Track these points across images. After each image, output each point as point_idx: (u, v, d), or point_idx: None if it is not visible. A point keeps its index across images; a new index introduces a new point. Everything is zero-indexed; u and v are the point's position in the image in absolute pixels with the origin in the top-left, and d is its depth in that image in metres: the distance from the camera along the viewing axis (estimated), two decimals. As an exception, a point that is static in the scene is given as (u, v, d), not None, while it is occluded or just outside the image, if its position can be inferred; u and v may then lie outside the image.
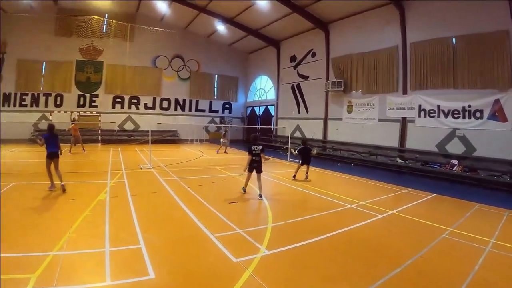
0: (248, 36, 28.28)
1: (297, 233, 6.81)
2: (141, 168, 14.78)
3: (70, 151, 19.56)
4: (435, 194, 11.14)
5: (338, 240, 6.49)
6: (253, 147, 9.97)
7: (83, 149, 20.42)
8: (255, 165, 10.02)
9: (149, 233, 6.55)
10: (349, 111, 20.35)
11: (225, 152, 21.92)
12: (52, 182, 9.84)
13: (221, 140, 22.23)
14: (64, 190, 9.53)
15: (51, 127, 10.28)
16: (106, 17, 27.10)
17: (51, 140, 10.03)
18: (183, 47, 30.34)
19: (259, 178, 9.96)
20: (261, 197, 9.59)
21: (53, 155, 9.97)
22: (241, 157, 19.92)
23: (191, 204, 8.83)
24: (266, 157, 10.73)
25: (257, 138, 10.63)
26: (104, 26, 27.39)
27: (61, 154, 10.29)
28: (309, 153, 13.52)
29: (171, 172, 14.00)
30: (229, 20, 26.12)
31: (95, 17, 25.70)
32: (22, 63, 26.22)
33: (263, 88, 31.59)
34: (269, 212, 8.35)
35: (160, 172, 13.90)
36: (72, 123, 21.61)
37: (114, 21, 26.44)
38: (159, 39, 28.35)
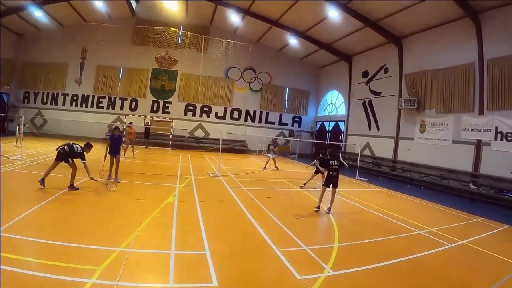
0: (320, 50, 29.04)
1: (363, 255, 6.86)
2: (209, 175, 15.64)
3: (124, 155, 19.77)
4: (508, 226, 10.71)
5: (404, 267, 6.43)
6: (331, 162, 10.33)
7: (133, 153, 20.83)
8: (332, 180, 10.35)
9: (215, 241, 6.86)
10: (422, 131, 20.02)
11: (275, 167, 20.70)
12: (110, 173, 11.84)
13: (267, 154, 21.11)
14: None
15: (116, 128, 12.67)
16: (181, 28, 29.79)
17: (114, 142, 12.19)
18: (255, 60, 31.84)
19: (333, 193, 10.37)
20: (329, 211, 10.02)
21: (114, 154, 12.15)
22: (310, 172, 20.25)
23: (258, 215, 9.16)
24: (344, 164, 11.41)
25: (335, 153, 10.95)
26: (179, 37, 30.24)
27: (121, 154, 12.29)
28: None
29: (239, 182, 14.64)
30: (301, 34, 27.17)
31: (171, 28, 28.25)
32: (101, 68, 30.35)
33: (334, 103, 31.99)
34: (335, 231, 8.46)
35: (228, 181, 14.59)
36: (128, 126, 23.19)
37: (189, 33, 28.85)
38: (232, 51, 29.90)
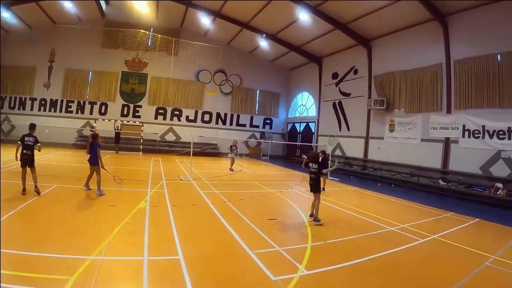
0: (290, 52, 29.10)
1: (336, 254, 6.87)
2: (181, 179, 15.33)
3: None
4: (478, 219, 10.96)
5: (378, 264, 6.45)
6: (310, 164, 9.52)
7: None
8: (311, 183, 9.58)
9: (189, 245, 6.73)
10: (391, 130, 20.38)
11: (230, 169, 20.35)
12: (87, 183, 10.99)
13: (229, 155, 21.31)
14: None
15: (95, 135, 11.26)
16: (151, 31, 29.05)
17: (90, 150, 11.12)
18: (226, 62, 31.61)
19: (314, 199, 9.54)
20: (310, 217, 9.42)
21: (91, 163, 11.00)
22: (281, 173, 20.52)
23: (230, 218, 9.02)
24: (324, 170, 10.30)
25: (317, 156, 9.95)
26: (150, 39, 29.39)
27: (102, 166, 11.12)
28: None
29: (211, 185, 14.40)
30: (271, 36, 27.12)
31: (141, 31, 27.60)
32: (69, 72, 29.01)
33: (304, 105, 32.19)
34: (308, 231, 8.43)
35: (200, 184, 14.32)
36: (91, 131, 22.47)
37: (159, 35, 28.22)
38: (202, 53, 29.60)
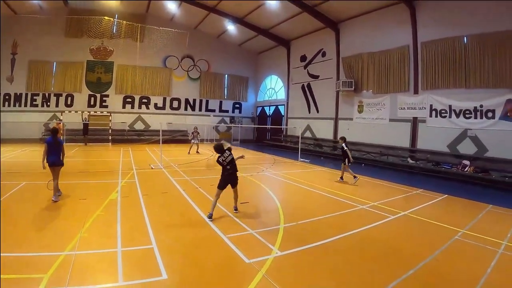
0: (258, 36, 28.59)
1: (309, 234, 6.87)
2: (152, 168, 15.01)
3: None
4: (446, 195, 11.09)
5: (350, 242, 6.51)
6: (220, 158, 8.11)
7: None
8: (227, 178, 8.12)
9: (161, 233, 6.67)
10: (360, 111, 20.45)
11: (197, 152, 21.31)
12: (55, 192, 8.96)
13: (192, 141, 21.77)
14: (54, 200, 8.63)
15: (54, 130, 9.32)
16: (116, 17, 27.55)
17: (53, 146, 9.03)
18: (193, 47, 30.58)
19: (235, 191, 8.37)
20: (236, 210, 8.34)
21: (54, 164, 9.00)
22: (252, 157, 20.18)
23: (202, 204, 8.88)
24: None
25: (221, 147, 8.28)
26: (114, 26, 27.90)
27: (62, 165, 9.26)
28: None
29: (182, 172, 14.17)
30: (239, 20, 26.44)
31: (105, 17, 26.06)
32: (33, 64, 27.04)
33: (273, 88, 31.88)
34: (280, 212, 8.39)
35: (171, 172, 14.09)
36: (58, 122, 21.81)
37: (124, 22, 26.78)
38: (169, 39, 28.18)
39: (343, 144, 13.00)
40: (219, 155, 8.14)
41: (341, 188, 11.77)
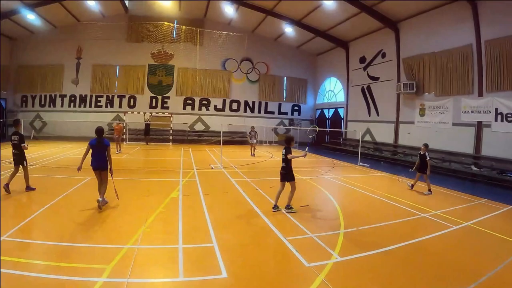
0: (316, 38, 28.87)
1: (369, 240, 6.90)
2: (212, 168, 15.76)
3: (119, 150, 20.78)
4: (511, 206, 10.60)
5: (410, 251, 6.44)
6: (283, 151, 9.04)
7: (119, 149, 20.94)
8: (282, 172, 8.95)
9: (222, 233, 6.97)
10: (422, 114, 19.98)
11: (252, 154, 21.74)
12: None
13: (250, 141, 22.37)
14: (99, 207, 8.34)
15: (99, 131, 8.89)
16: (175, 23, 29.69)
17: (97, 149, 8.70)
18: (252, 50, 31.78)
19: (290, 187, 8.92)
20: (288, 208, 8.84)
21: (97, 168, 8.74)
22: (311, 160, 20.45)
23: (262, 206, 9.22)
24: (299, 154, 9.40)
25: (289, 139, 9.24)
26: (174, 31, 30.05)
27: (106, 169, 8.79)
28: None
29: (242, 173, 14.74)
30: (296, 22, 26.96)
31: (165, 23, 28.16)
32: (97, 67, 30.22)
33: (332, 90, 31.97)
34: (341, 217, 8.47)
35: (231, 173, 14.69)
36: (118, 123, 23.33)
37: (183, 27, 28.78)
38: (227, 42, 29.97)
39: (426, 153, 12.28)
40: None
41: (402, 194, 11.66)
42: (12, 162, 10.25)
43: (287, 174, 8.83)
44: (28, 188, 10.07)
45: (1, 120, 27.17)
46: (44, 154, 18.87)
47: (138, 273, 5.15)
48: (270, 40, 32.53)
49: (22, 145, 9.96)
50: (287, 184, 8.87)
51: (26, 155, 10.29)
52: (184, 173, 14.05)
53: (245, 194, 10.64)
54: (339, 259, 5.76)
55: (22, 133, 10.40)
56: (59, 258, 5.61)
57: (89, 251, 5.94)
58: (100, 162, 8.70)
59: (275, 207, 8.80)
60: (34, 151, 19.16)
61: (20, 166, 10.16)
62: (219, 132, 18.60)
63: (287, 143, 9.06)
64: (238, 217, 8.33)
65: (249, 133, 22.25)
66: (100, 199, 8.41)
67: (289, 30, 28.38)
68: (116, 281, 4.87)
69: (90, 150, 8.68)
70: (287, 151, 8.86)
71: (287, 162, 8.83)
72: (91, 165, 8.69)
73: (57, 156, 18.53)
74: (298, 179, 12.69)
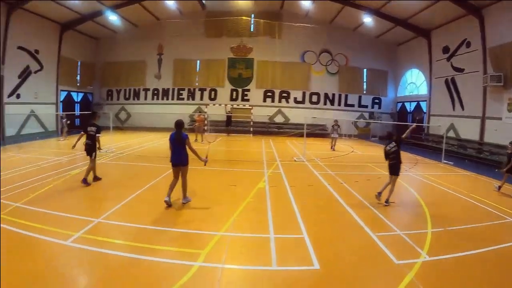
0: (396, 27, 28.09)
1: (457, 242, 6.76)
2: (295, 160, 16.39)
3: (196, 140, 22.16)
4: None
5: (501, 255, 6.24)
6: (387, 147, 9.46)
7: (202, 140, 22.00)
8: (389, 166, 9.44)
9: (311, 225, 7.27)
10: (510, 110, 18.73)
11: (332, 148, 21.32)
12: (169, 194, 8.53)
13: (332, 134, 21.77)
14: (167, 204, 8.36)
15: (178, 124, 8.75)
16: (252, 16, 31.31)
17: (176, 144, 8.57)
18: (330, 42, 32.01)
19: (392, 182, 9.35)
20: (386, 202, 9.13)
21: (176, 164, 8.63)
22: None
23: (348, 200, 9.43)
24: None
25: (391, 135, 9.95)
26: (252, 25, 31.65)
27: (185, 165, 8.64)
28: None
29: (325, 166, 15.05)
30: (375, 11, 26.60)
31: (243, 17, 29.87)
32: (178, 62, 33.07)
33: (414, 82, 30.85)
34: (427, 216, 8.37)
35: (314, 166, 15.07)
36: (199, 114, 25.41)
37: (262, 20, 30.31)
38: (306, 34, 30.86)
39: None
40: (388, 143, 9.47)
41: (487, 195, 11.00)
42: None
43: (396, 168, 9.28)
44: (96, 178, 10.88)
45: (89, 112, 31.31)
46: (130, 144, 21.35)
47: (232, 259, 5.60)
48: (348, 30, 32.17)
49: (98, 135, 10.71)
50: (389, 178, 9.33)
51: (100, 147, 11.23)
52: (268, 165, 14.79)
53: (330, 187, 10.95)
54: (427, 259, 5.78)
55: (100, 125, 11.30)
56: (155, 241, 6.32)
57: (183, 236, 6.67)
58: (180, 157, 8.52)
59: (379, 194, 9.19)
60: (120, 140, 21.52)
61: (89, 157, 10.68)
62: (299, 124, 19.27)
63: (390, 137, 9.72)
64: (325, 210, 8.75)
65: (332, 126, 21.90)
66: (166, 198, 8.31)
67: (368, 20, 27.97)
68: (211, 266, 5.36)
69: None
70: (398, 145, 9.33)
71: (398, 156, 9.26)
72: (170, 161, 8.63)
73: (143, 146, 20.82)
74: (382, 174, 13.01)
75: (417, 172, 15.06)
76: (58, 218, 7.50)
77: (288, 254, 5.85)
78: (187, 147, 8.48)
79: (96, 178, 10.92)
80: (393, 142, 9.37)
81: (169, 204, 8.26)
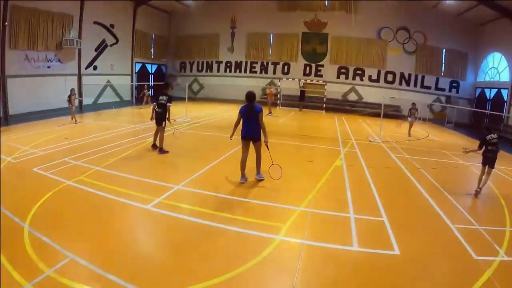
0: (479, 6, 26.62)
1: None
2: (370, 141, 16.52)
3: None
4: None
5: None
6: (488, 137, 8.99)
7: (270, 112, 24.37)
8: (486, 158, 9.04)
9: (390, 208, 7.35)
10: None
11: (409, 134, 19.81)
12: (243, 174, 8.76)
13: (408, 118, 20.17)
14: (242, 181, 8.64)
15: (249, 96, 8.65)
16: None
17: (248, 116, 8.50)
18: (408, 18, 31.13)
19: (488, 173, 9.05)
20: (477, 192, 8.96)
21: (246, 137, 8.57)
22: (470, 144, 19.15)
23: (427, 187, 9.33)
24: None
25: (488, 127, 9.54)
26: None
27: (258, 140, 8.57)
28: None
29: (400, 149, 14.99)
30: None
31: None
32: (251, 36, 34.22)
33: (496, 68, 29.30)
34: (506, 212, 7.98)
35: (390, 148, 15.11)
36: (270, 87, 27.00)
37: (336, -6, 30.30)
38: (382, 10, 30.54)
39: None
40: (486, 133, 9.06)
41: None
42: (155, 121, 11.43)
43: (494, 160, 9.01)
44: (161, 151, 11.27)
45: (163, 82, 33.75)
46: (205, 114, 22.96)
47: (313, 235, 5.78)
48: (427, 7, 30.75)
49: (168, 104, 11.15)
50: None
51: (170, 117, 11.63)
52: (343, 143, 15.00)
53: (407, 171, 10.90)
54: (505, 258, 5.62)
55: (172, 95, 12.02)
56: (236, 211, 6.78)
57: (263, 208, 6.94)
58: (252, 131, 8.40)
59: (480, 190, 8.94)
60: (193, 111, 23.07)
61: (158, 125, 11.29)
62: (372, 103, 19.53)
63: (487, 131, 9.18)
64: (403, 194, 8.87)
65: (409, 109, 20.18)
66: (242, 180, 8.56)
67: None
68: (293, 241, 5.66)
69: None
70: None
71: (497, 147, 9.01)
72: (241, 134, 8.57)
73: (216, 116, 22.56)
74: (458, 163, 13.33)
75: (496, 166, 14.26)
76: (139, 183, 8.30)
77: (368, 236, 6.04)
78: (259, 121, 8.29)
79: (162, 151, 11.29)
80: (495, 133, 9.09)
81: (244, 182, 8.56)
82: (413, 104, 20.51)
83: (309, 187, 8.34)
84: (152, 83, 34.22)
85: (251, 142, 8.55)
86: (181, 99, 23.99)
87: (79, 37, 24.64)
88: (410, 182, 9.83)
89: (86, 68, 26.16)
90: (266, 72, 34.11)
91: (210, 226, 6.05)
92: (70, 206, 6.92)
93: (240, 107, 8.60)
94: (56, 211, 6.61)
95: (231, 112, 23.58)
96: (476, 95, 32.17)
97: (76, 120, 17.54)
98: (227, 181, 8.67)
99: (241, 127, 8.62)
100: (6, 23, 19.01)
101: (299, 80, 31.73)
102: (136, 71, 32.70)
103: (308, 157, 11.62)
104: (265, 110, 23.29)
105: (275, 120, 22.42)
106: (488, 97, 30.20)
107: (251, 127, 8.36)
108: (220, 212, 6.72)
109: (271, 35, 33.70)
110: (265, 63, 34.11)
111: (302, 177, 9.34)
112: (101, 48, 27.70)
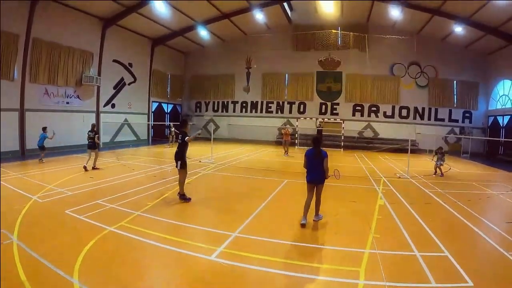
0: (486, 36, 28.56)
1: None
2: (398, 177, 16.94)
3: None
4: None
5: None
6: None
7: (286, 152, 25.65)
8: None
9: (447, 242, 7.56)
10: None
11: (435, 173, 18.67)
12: (305, 215, 9.02)
13: (437, 162, 18.60)
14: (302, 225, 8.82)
15: (316, 140, 9.30)
16: (339, 30, 34.33)
17: (313, 161, 9.09)
18: (418, 53, 33.34)
19: None
20: None
21: (313, 182, 9.11)
22: (490, 173, 20.51)
23: (471, 219, 9.65)
24: None
25: None
26: (339, 38, 34.72)
27: (322, 183, 9.13)
28: None
29: (431, 184, 15.31)
30: (465, 20, 27.36)
31: (333, 31, 33.40)
32: (266, 76, 37.15)
33: (507, 95, 30.23)
34: None
35: (420, 183, 15.46)
36: (286, 127, 28.32)
37: (350, 33, 33.33)
38: (393, 46, 33.00)
39: None
40: None
41: None
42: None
43: None
44: (182, 197, 10.79)
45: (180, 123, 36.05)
46: (227, 155, 24.18)
47: (391, 276, 5.87)
48: (436, 40, 33.20)
49: (187, 138, 10.64)
50: None
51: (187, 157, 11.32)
52: (375, 181, 15.51)
53: (447, 205, 11.22)
54: None
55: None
56: (304, 258, 6.81)
57: (333, 253, 7.03)
58: (317, 176, 8.96)
59: None
60: (214, 151, 23.23)
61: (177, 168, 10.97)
62: (388, 139, 22.08)
63: None
64: (454, 228, 9.04)
65: (435, 152, 19.40)
66: (303, 221, 8.81)
67: (458, 29, 28.54)
68: (376, 284, 5.67)
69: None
70: None
71: None
72: (306, 179, 9.12)
73: (239, 157, 23.45)
74: (491, 193, 13.87)
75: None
76: (189, 230, 8.39)
77: (440, 271, 6.16)
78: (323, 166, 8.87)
79: (183, 197, 10.86)
80: None
81: (304, 226, 8.70)
82: (440, 148, 19.62)
83: (364, 227, 8.63)
84: (168, 123, 36.66)
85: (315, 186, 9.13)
86: (197, 139, 24.19)
87: (99, 74, 27.12)
88: (454, 216, 10.15)
89: (105, 106, 28.64)
90: (282, 112, 36.75)
91: (290, 277, 5.94)
92: (120, 256, 6.68)
93: (306, 150, 9.31)
94: (106, 262, 6.34)
95: (253, 155, 25.20)
96: (489, 124, 33.39)
97: (95, 167, 16.64)
98: (284, 225, 8.82)
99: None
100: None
101: (317, 119, 34.03)
102: (152, 110, 35.63)
103: (349, 197, 11.89)
104: (281, 150, 25.18)
105: (293, 160, 23.47)
106: (501, 125, 31.25)
107: (316, 172, 8.94)
108: (291, 260, 6.64)
109: (286, 74, 36.71)
110: (281, 103, 36.84)
111: (353, 218, 9.62)
112: (119, 86, 30.44)
